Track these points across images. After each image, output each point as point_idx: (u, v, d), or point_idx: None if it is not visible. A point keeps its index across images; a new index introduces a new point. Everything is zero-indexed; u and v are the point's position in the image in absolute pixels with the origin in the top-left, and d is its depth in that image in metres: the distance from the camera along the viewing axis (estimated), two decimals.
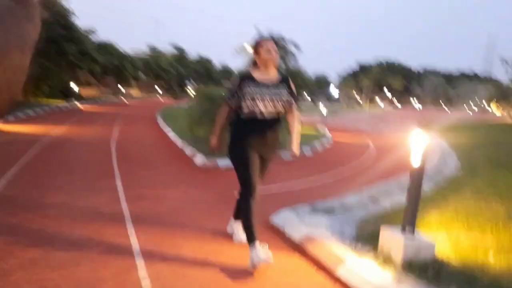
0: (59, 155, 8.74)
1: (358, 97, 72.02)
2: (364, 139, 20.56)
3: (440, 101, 75.85)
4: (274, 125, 3.61)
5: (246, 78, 3.57)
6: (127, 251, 3.75)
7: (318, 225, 4.56)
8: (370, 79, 72.85)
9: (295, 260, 3.87)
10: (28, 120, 15.89)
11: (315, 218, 4.85)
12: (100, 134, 13.02)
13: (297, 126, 3.78)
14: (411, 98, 73.44)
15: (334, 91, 76.26)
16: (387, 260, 3.48)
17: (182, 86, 72.14)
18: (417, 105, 71.03)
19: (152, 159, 9.22)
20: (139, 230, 4.35)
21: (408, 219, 3.52)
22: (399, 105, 70.40)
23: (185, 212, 5.21)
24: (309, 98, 56.01)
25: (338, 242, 4.01)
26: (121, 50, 55.60)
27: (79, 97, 33.45)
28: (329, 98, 75.86)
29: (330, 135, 19.93)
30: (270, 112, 3.55)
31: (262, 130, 3.56)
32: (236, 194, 3.96)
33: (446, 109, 69.70)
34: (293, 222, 4.70)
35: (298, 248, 4.12)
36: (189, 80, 76.10)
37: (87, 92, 46.43)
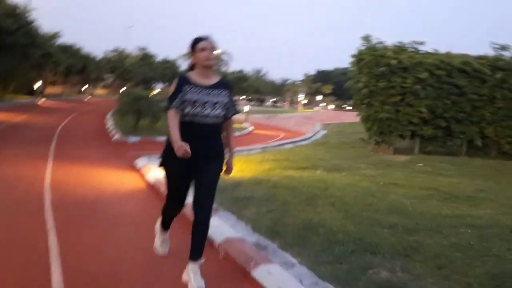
0: (17, 133, 12.07)
1: (299, 101, 76.48)
2: (277, 132, 24.42)
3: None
4: (214, 130, 3.18)
5: (184, 81, 3.12)
6: (43, 166, 7.25)
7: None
8: (307, 85, 77.57)
9: (134, 177, 7.45)
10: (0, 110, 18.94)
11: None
12: (52, 122, 16.28)
13: (232, 138, 3.37)
14: (346, 101, 77.92)
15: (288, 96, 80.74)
16: None
17: (149, 87, 74.57)
18: (347, 107, 74.98)
19: (85, 137, 12.69)
20: (56, 161, 7.86)
21: None
22: (331, 107, 74.63)
23: (95, 157, 8.76)
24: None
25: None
26: (85, 52, 57.67)
27: (43, 94, 36.25)
28: (276, 101, 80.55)
29: (251, 128, 23.66)
30: (209, 116, 3.10)
31: (201, 136, 3.10)
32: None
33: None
34: (144, 163, 8.26)
35: (138, 171, 7.69)
36: (156, 82, 78.06)
37: (53, 90, 48.99)
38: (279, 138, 20.07)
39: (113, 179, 6.85)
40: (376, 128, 12.39)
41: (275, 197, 5.49)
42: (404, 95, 11.93)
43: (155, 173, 6.75)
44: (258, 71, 79.61)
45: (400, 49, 12.25)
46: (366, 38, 12.42)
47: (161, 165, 3.27)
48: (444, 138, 12.60)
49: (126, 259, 3.63)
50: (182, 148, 2.89)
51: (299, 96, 75.27)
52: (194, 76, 3.17)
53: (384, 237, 4.21)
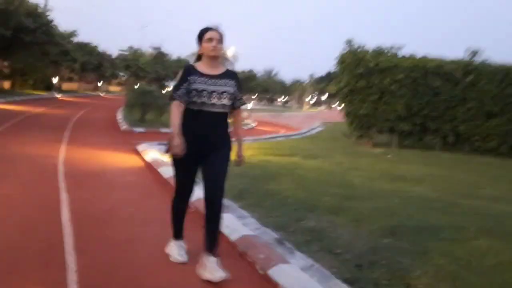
0: (36, 121, 13.34)
1: (306, 100, 77.59)
2: (278, 129, 25.48)
3: None
4: (221, 119, 3.15)
5: (191, 71, 3.11)
6: (58, 147, 8.43)
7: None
8: (313, 85, 78.66)
9: (135, 158, 8.58)
10: (15, 103, 20.26)
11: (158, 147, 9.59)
12: (68, 114, 17.57)
13: (241, 129, 3.39)
14: None
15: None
16: None
17: (162, 85, 75.98)
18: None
19: (96, 127, 13.91)
20: (69, 144, 9.05)
21: None
22: (334, 107, 75.61)
23: (104, 143, 9.95)
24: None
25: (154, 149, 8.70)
26: (100, 50, 59.19)
27: (59, 90, 37.78)
28: (287, 101, 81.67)
29: (254, 124, 24.78)
30: (216, 106, 3.08)
31: (209, 125, 3.09)
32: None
33: None
34: (144, 148, 9.41)
35: (139, 154, 8.81)
36: (169, 80, 79.21)
37: (69, 86, 50.76)
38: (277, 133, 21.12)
39: (117, 159, 8.01)
40: (356, 123, 13.53)
41: (248, 173, 6.57)
42: (382, 94, 13.01)
43: (152, 154, 7.89)
44: (269, 71, 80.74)
45: (378, 52, 13.34)
46: (349, 42, 13.55)
47: (167, 151, 3.10)
48: (420, 134, 13.66)
49: (117, 211, 4.77)
50: (178, 146, 2.95)
51: (306, 95, 76.42)
52: (200, 66, 3.15)
53: (324, 201, 5.28)
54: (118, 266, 3.15)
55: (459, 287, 3.04)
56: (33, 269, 2.95)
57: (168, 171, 6.09)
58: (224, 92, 3.10)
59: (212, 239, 3.06)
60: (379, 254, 3.53)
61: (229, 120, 3.24)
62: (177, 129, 3.00)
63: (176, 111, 3.06)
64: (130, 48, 79.08)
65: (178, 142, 2.96)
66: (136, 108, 15.11)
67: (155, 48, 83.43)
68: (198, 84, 3.05)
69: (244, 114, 29.22)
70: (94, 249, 3.42)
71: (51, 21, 28.95)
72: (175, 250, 3.34)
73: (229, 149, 3.18)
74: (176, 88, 3.10)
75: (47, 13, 29.26)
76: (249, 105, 31.79)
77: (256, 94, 70.10)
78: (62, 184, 5.53)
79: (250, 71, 74.38)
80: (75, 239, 3.56)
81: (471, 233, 4.32)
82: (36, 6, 28.08)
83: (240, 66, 66.22)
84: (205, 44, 3.12)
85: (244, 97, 3.33)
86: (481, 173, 9.31)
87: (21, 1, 25.53)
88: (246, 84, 53.74)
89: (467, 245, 3.98)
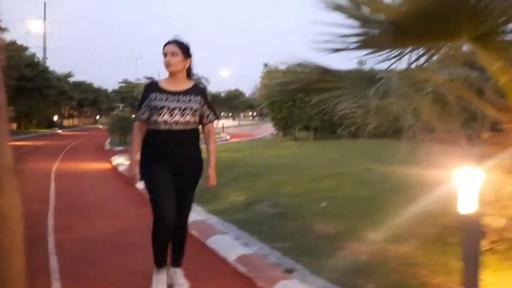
0: (38, 150, 16.72)
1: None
2: (243, 137, 28.81)
3: None
4: (186, 138, 2.90)
5: (152, 87, 2.93)
6: (53, 163, 11.73)
7: None
8: None
9: (107, 165, 11.84)
10: (21, 140, 23.65)
11: None
12: (64, 144, 20.94)
13: (213, 146, 3.06)
14: None
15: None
16: None
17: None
18: None
19: (86, 150, 17.30)
20: (61, 161, 12.36)
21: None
22: None
23: (88, 158, 13.28)
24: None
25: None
26: (96, 86, 62.89)
27: (61, 126, 41.33)
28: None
29: (228, 137, 28.09)
30: (179, 123, 2.84)
31: (173, 144, 2.85)
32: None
33: None
34: (115, 158, 12.65)
35: (110, 162, 12.07)
36: None
37: (70, 122, 54.41)
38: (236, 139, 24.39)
39: (95, 166, 11.37)
40: (278, 125, 16.95)
41: None
42: (295, 101, 16.36)
43: (117, 161, 11.23)
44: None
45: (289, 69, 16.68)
46: (266, 65, 17.07)
47: (141, 178, 2.95)
48: (332, 128, 17.00)
49: (88, 189, 8.10)
50: (132, 173, 2.95)
51: None
52: (163, 82, 2.97)
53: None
54: (81, 215, 6.46)
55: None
56: (28, 218, 6.27)
57: (121, 168, 9.43)
58: (187, 108, 2.88)
59: (179, 255, 3.10)
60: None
61: (201, 136, 3.04)
62: (135, 153, 2.94)
63: (136, 131, 2.99)
64: (125, 80, 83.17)
65: (133, 172, 2.93)
66: (116, 132, 18.44)
67: (149, 78, 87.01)
68: (158, 101, 2.86)
69: (218, 129, 32.63)
70: (68, 211, 6.74)
71: (47, 68, 32.59)
72: (155, 284, 2.96)
73: (198, 167, 3.01)
74: (138, 108, 2.97)
75: (43, 62, 32.94)
76: (226, 123, 35.02)
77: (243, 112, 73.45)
78: (52, 180, 8.85)
79: (236, 90, 78.08)
80: (55, 205, 6.88)
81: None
82: (33, 57, 31.69)
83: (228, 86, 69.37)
84: (163, 59, 2.90)
85: (213, 113, 3.06)
86: (341, 149, 12.48)
87: (21, 55, 29.11)
88: (228, 103, 57.05)
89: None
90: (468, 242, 2.27)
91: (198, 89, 3.03)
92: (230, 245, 4.02)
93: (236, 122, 51.65)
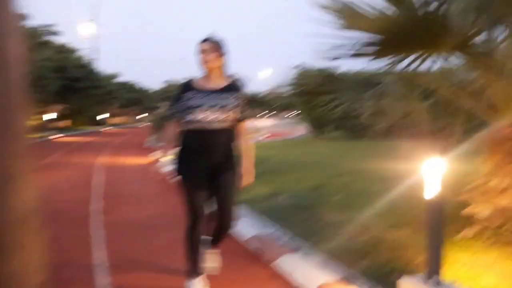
0: (84, 146, 17.83)
1: None
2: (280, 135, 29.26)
3: None
4: (222, 136, 2.83)
5: (187, 86, 2.90)
6: (96, 157, 12.65)
7: None
8: None
9: (145, 160, 12.65)
10: (72, 135, 25.14)
11: None
12: (109, 141, 22.14)
13: (246, 145, 3.00)
14: None
15: None
16: None
17: None
18: None
19: (128, 146, 18.23)
20: (104, 155, 13.28)
21: (432, 266, 2.62)
22: None
23: (128, 154, 14.14)
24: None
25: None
26: (139, 86, 65.25)
27: (107, 124, 43.32)
28: None
29: (264, 136, 28.65)
30: (215, 122, 2.79)
31: (208, 143, 2.79)
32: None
33: None
34: (153, 154, 13.44)
35: (148, 158, 12.87)
36: None
37: (116, 120, 56.78)
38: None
39: (135, 160, 12.16)
40: (310, 124, 17.29)
41: None
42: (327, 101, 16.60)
43: (154, 157, 11.97)
44: None
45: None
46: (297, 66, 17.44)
47: (177, 173, 2.91)
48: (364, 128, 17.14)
49: (127, 180, 8.84)
50: (175, 170, 2.89)
51: None
52: (199, 81, 2.92)
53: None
54: (119, 201, 7.17)
55: None
56: (72, 210, 7.00)
57: (160, 164, 10.14)
58: (223, 107, 2.81)
59: (217, 241, 3.16)
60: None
61: (234, 135, 2.95)
62: (168, 155, 2.88)
63: (169, 130, 2.94)
64: (167, 81, 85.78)
65: (173, 167, 2.84)
66: (155, 130, 19.34)
67: (185, 79, 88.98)
68: (194, 99, 2.82)
69: (254, 129, 32.96)
70: (111, 199, 7.46)
71: (95, 69, 34.35)
72: None
73: (235, 166, 2.93)
74: (170, 107, 2.93)
75: (91, 63, 34.72)
76: (267, 123, 35.64)
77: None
78: (96, 172, 9.66)
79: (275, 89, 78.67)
80: (97, 193, 7.61)
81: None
82: (82, 59, 33.47)
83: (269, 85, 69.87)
84: (198, 57, 2.87)
85: (248, 112, 2.98)
86: (368, 148, 12.55)
87: (72, 57, 30.87)
88: (269, 102, 57.57)
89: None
90: (431, 223, 2.65)
91: (235, 87, 2.95)
92: (244, 228, 4.50)
93: (274, 122, 52.16)
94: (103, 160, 12.24)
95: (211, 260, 3.22)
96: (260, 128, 33.34)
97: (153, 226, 4.88)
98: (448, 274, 3.01)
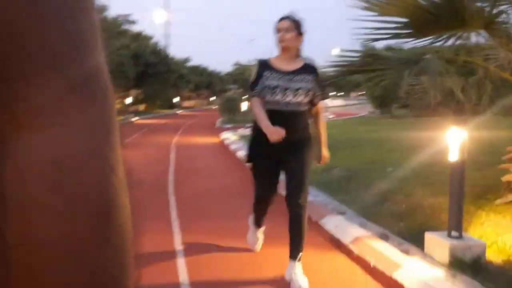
0: (160, 128, 19.24)
1: None
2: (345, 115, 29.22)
3: None
4: (297, 118, 2.81)
5: (264, 66, 2.83)
6: (172, 137, 13.75)
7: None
8: None
9: (216, 139, 13.56)
10: (148, 118, 27.00)
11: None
12: (182, 122, 23.55)
13: (323, 125, 3.04)
14: None
15: None
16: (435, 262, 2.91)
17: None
18: None
19: (199, 127, 19.39)
20: (178, 136, 14.40)
21: (453, 222, 2.94)
22: None
23: (200, 134, 15.21)
24: None
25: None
26: (210, 70, 67.36)
27: (180, 107, 45.57)
28: None
29: (331, 116, 28.81)
30: (291, 104, 2.76)
31: (284, 125, 2.65)
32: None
33: None
34: (223, 134, 14.31)
35: (219, 137, 13.76)
36: None
37: (188, 103, 59.35)
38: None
39: (206, 140, 13.13)
40: (375, 103, 17.21)
41: None
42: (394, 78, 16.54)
43: (225, 136, 12.82)
44: None
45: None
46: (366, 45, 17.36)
47: (248, 160, 2.97)
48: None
49: (199, 157, 9.74)
50: (277, 132, 2.64)
51: None
52: (274, 61, 2.86)
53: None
54: (192, 175, 8.02)
55: None
56: (153, 179, 7.93)
57: (228, 142, 10.98)
58: (299, 88, 2.77)
59: (295, 244, 2.84)
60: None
61: (309, 117, 2.95)
62: (266, 120, 2.72)
63: (258, 106, 2.82)
64: (237, 63, 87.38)
65: (274, 129, 2.66)
66: (225, 112, 20.30)
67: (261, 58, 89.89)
68: (271, 80, 2.77)
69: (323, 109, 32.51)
70: (185, 171, 8.34)
71: (168, 54, 36.17)
72: (250, 237, 3.39)
73: (309, 150, 2.90)
74: (252, 84, 2.87)
75: (164, 49, 36.61)
76: (333, 101, 35.58)
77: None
78: (171, 149, 10.66)
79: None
80: (174, 169, 8.53)
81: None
82: (156, 45, 35.39)
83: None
84: (275, 36, 2.81)
85: (323, 93, 2.95)
86: (432, 125, 12.54)
87: (147, 44, 32.81)
88: (337, 82, 56.90)
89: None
90: (452, 183, 3.03)
91: (310, 68, 2.89)
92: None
93: (341, 102, 51.66)
94: (178, 139, 13.32)
95: (298, 278, 2.85)
96: (327, 108, 33.37)
97: (224, 194, 5.61)
98: (474, 232, 3.38)
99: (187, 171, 7.50)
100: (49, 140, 0.26)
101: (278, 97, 2.77)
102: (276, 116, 2.75)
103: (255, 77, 2.86)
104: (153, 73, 32.89)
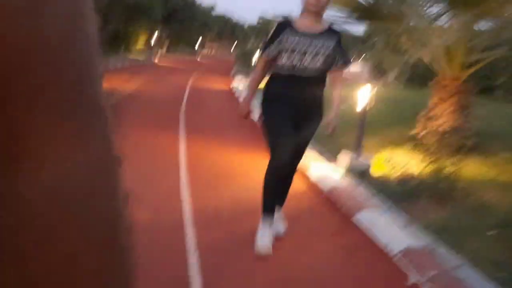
0: (183, 68, 20.76)
1: None
2: None
3: None
4: (314, 84, 2.67)
5: (285, 26, 2.65)
6: (188, 77, 15.32)
7: None
8: None
9: (228, 85, 15.11)
10: (173, 60, 28.50)
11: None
12: (202, 66, 24.96)
13: (338, 94, 2.80)
14: None
15: None
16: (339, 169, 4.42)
17: None
18: None
19: (216, 71, 20.91)
20: (194, 77, 16.01)
21: (355, 147, 4.53)
22: None
23: (215, 78, 16.76)
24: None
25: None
26: (235, 20, 67.72)
27: (201, 54, 47.08)
28: None
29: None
30: (309, 68, 2.60)
31: (299, 89, 2.61)
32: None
33: None
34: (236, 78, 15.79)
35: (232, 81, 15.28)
36: None
37: (210, 51, 60.52)
38: None
39: (218, 85, 14.72)
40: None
41: None
42: None
43: (235, 85, 14.21)
44: None
45: None
46: None
47: (260, 119, 2.73)
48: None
49: (209, 97, 11.41)
50: (243, 107, 2.82)
51: None
52: (299, 22, 2.66)
53: None
54: (200, 108, 9.70)
55: None
56: (170, 102, 9.61)
57: (236, 90, 12.56)
58: (319, 53, 2.60)
59: (284, 197, 2.91)
60: None
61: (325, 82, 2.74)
62: (251, 90, 2.77)
63: (258, 70, 2.76)
64: (261, 17, 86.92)
65: (244, 110, 2.78)
66: (240, 62, 21.72)
67: (284, 17, 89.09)
68: (290, 43, 2.60)
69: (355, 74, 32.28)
70: (193, 107, 10.00)
71: (194, 1, 37.20)
72: (260, 239, 2.71)
73: (319, 121, 2.77)
74: (267, 44, 2.71)
75: None
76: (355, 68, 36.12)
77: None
78: (187, 86, 12.33)
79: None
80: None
81: None
82: None
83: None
84: None
85: (344, 60, 2.72)
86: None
87: None
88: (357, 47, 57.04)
89: None
90: (359, 124, 4.66)
91: (333, 32, 2.70)
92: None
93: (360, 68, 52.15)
94: (194, 80, 14.91)
95: (279, 223, 2.92)
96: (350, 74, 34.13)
97: (226, 131, 6.95)
98: (377, 156, 4.97)
99: (197, 106, 9.28)
100: (48, 172, 0.24)
101: (295, 61, 2.61)
102: (293, 81, 2.64)
103: (272, 38, 2.69)
104: (178, 19, 34.03)
